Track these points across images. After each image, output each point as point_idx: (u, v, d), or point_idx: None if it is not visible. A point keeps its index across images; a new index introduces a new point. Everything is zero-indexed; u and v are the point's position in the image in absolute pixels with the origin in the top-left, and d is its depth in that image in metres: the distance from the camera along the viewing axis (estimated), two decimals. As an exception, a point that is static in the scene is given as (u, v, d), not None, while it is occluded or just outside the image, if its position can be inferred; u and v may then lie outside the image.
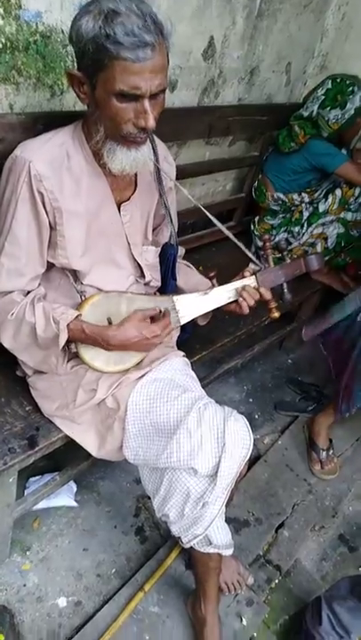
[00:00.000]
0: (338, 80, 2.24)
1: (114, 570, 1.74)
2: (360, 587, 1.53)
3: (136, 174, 1.36)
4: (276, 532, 2.00)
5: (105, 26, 1.01)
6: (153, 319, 1.33)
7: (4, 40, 1.32)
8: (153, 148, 1.34)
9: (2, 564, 1.66)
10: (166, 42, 1.08)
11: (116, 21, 1.01)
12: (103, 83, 1.08)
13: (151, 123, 1.12)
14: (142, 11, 1.02)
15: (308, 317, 2.47)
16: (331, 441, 2.34)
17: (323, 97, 2.26)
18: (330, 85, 2.26)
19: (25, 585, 1.63)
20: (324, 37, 2.71)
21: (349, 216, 2.41)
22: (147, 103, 1.10)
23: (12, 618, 1.53)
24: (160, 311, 1.33)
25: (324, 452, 2.28)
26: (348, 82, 2.23)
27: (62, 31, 1.44)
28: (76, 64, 1.13)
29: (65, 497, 1.86)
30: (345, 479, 2.29)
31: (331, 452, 2.31)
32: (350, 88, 2.22)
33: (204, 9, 1.87)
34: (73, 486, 1.91)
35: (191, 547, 1.39)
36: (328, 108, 2.25)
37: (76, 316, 1.27)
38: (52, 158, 1.21)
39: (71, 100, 1.57)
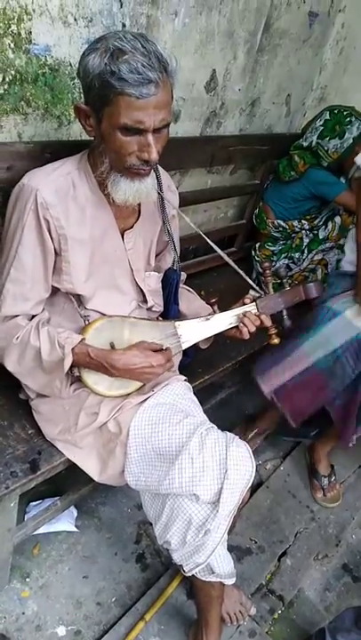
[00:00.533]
0: (335, 111, 2.31)
1: (114, 598, 1.71)
2: (365, 618, 1.50)
3: (140, 202, 1.39)
4: (279, 560, 1.97)
5: (111, 63, 1.05)
6: (156, 352, 1.34)
7: (13, 72, 1.36)
8: (157, 177, 1.38)
9: (1, 591, 1.63)
10: (171, 78, 1.12)
11: (121, 59, 1.05)
12: (108, 117, 1.12)
13: (154, 156, 1.16)
14: (147, 49, 1.06)
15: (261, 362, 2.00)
16: (332, 467, 2.32)
17: (321, 127, 2.32)
18: (328, 116, 2.32)
19: (24, 613, 1.61)
20: (323, 71, 2.80)
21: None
22: (150, 137, 1.14)
23: (9, 648, 1.50)
24: (163, 348, 1.35)
25: (326, 479, 2.26)
26: (345, 112, 2.30)
27: (70, 64, 1.49)
28: (83, 97, 1.18)
29: (65, 522, 1.84)
30: (348, 507, 2.26)
31: (333, 478, 2.29)
32: (348, 119, 2.28)
33: (206, 44, 1.93)
34: (74, 511, 1.90)
35: (193, 575, 1.37)
36: (327, 138, 2.30)
37: (81, 340, 1.28)
38: (57, 187, 1.24)
39: (78, 130, 1.62)
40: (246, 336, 1.39)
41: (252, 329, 1.38)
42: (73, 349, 1.26)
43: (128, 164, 1.18)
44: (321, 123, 2.33)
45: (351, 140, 2.29)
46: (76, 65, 1.49)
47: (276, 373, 1.90)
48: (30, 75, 1.40)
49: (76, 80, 1.53)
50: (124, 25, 1.57)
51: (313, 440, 2.43)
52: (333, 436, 2.20)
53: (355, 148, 2.30)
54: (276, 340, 1.38)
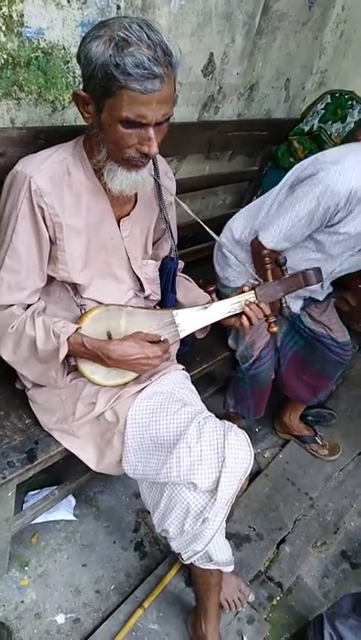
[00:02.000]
0: (337, 95, 2.29)
1: (113, 586, 1.71)
2: (363, 604, 1.51)
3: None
4: (278, 547, 1.98)
5: (115, 54, 1.02)
6: (153, 343, 1.33)
7: (5, 56, 1.33)
8: (153, 164, 1.35)
9: (0, 580, 1.64)
10: (175, 71, 1.09)
11: (126, 51, 1.02)
12: (110, 108, 1.10)
13: (154, 150, 1.15)
14: (153, 40, 1.03)
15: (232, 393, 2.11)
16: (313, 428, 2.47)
17: (323, 111, 2.30)
18: (329, 100, 2.29)
19: (23, 601, 1.61)
20: (323, 55, 2.75)
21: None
22: (151, 131, 1.12)
23: (9, 635, 1.51)
24: (160, 339, 1.34)
25: (318, 438, 2.41)
26: (346, 96, 2.27)
27: (64, 47, 1.46)
28: (82, 83, 1.14)
29: (64, 511, 1.84)
30: (347, 494, 2.27)
31: (320, 434, 2.45)
32: (349, 102, 2.26)
33: (203, 26, 1.90)
34: (72, 500, 1.90)
35: (191, 563, 1.37)
36: (330, 122, 2.28)
37: (76, 330, 1.27)
38: (52, 174, 1.22)
39: (72, 116, 1.59)
40: (247, 328, 1.37)
41: (255, 321, 1.35)
42: (68, 339, 1.25)
43: (127, 155, 1.17)
44: (322, 106, 2.31)
45: (353, 125, 2.27)
46: (70, 48, 1.47)
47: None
48: (23, 58, 1.37)
49: (70, 64, 1.50)
50: (118, 7, 1.54)
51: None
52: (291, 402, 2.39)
53: (356, 132, 2.27)
54: (274, 329, 1.37)
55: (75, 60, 1.50)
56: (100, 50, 1.04)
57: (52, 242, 1.28)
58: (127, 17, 1.06)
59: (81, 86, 1.54)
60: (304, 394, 2.24)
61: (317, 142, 2.33)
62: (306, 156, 2.34)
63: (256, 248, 1.75)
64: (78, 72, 1.53)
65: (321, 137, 2.31)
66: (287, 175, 1.75)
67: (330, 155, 1.62)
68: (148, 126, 1.11)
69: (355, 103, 2.26)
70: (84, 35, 1.10)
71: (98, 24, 1.08)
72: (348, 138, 2.30)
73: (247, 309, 1.35)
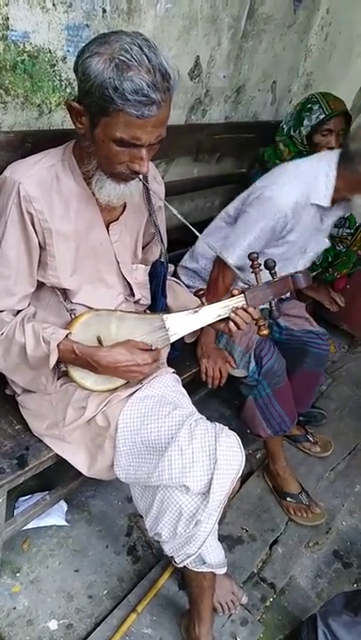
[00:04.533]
0: (308, 97, 2.23)
1: (106, 591, 1.71)
2: (355, 601, 1.52)
3: None
4: (270, 548, 1.98)
5: (115, 77, 1.02)
6: (144, 351, 1.33)
7: (-9, 60, 1.33)
8: None
9: (-9, 588, 1.63)
10: (172, 95, 1.10)
11: (125, 75, 1.02)
12: (104, 126, 1.10)
13: (145, 169, 1.16)
14: (153, 64, 1.03)
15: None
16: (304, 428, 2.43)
17: (290, 115, 2.28)
18: (302, 104, 2.26)
19: (15, 608, 1.60)
20: (308, 57, 2.77)
21: (335, 232, 2.44)
22: (144, 151, 1.13)
23: (1, 643, 1.50)
24: (151, 347, 1.34)
25: (309, 436, 2.37)
26: (311, 98, 2.20)
27: (50, 51, 1.46)
28: (77, 94, 1.14)
29: (55, 516, 1.83)
30: (338, 494, 2.28)
31: (309, 435, 2.40)
32: (309, 105, 2.19)
33: (189, 30, 1.90)
34: (63, 505, 1.89)
35: (184, 566, 1.37)
36: (296, 127, 2.24)
37: (66, 336, 1.26)
38: (41, 180, 1.22)
39: (59, 119, 1.59)
40: (236, 334, 1.37)
41: (243, 326, 1.35)
42: (58, 346, 1.24)
43: (117, 171, 1.18)
44: (295, 110, 2.28)
45: (309, 129, 2.19)
46: (56, 52, 1.47)
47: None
48: (9, 62, 1.37)
49: (56, 67, 1.49)
50: (104, 10, 1.54)
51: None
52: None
53: (313, 137, 2.21)
54: (265, 332, 1.37)
55: (61, 64, 1.50)
56: (99, 68, 1.04)
57: (42, 247, 1.28)
58: (128, 35, 1.06)
59: (68, 89, 1.56)
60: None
61: (296, 146, 2.29)
62: (292, 158, 2.35)
63: (219, 266, 1.88)
64: (65, 75, 1.53)
65: (294, 141, 2.27)
66: (235, 203, 2.00)
67: (267, 178, 1.84)
68: (142, 147, 1.12)
69: (316, 107, 2.17)
70: (82, 47, 1.10)
71: (98, 37, 1.08)
72: (308, 141, 2.23)
73: (234, 316, 1.33)
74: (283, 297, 2.03)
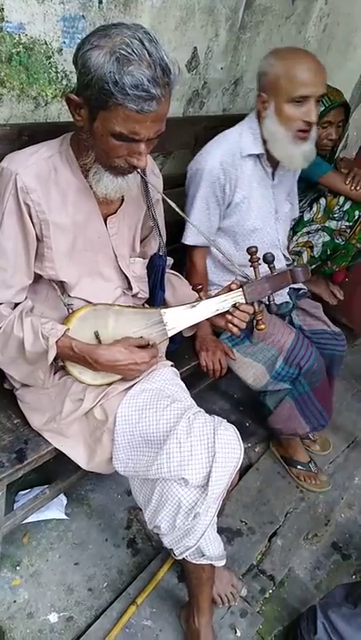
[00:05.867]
0: None
1: (105, 583, 1.71)
2: (355, 593, 1.52)
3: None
4: (270, 541, 1.99)
5: (115, 71, 1.02)
6: (142, 348, 1.33)
7: (-13, 52, 1.32)
8: None
9: (-9, 581, 1.63)
10: (172, 89, 1.09)
11: (126, 69, 1.01)
12: (103, 119, 1.10)
13: (143, 164, 1.16)
14: (153, 59, 1.03)
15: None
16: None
17: None
18: None
19: (15, 601, 1.61)
20: (307, 48, 2.74)
21: (334, 224, 2.43)
22: (142, 146, 1.13)
23: (2, 635, 1.50)
24: (149, 344, 1.34)
25: (310, 464, 2.24)
26: None
27: (45, 42, 1.44)
28: (76, 86, 1.13)
29: (55, 510, 1.84)
30: (337, 487, 2.28)
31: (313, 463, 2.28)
32: None
33: (187, 21, 1.89)
34: (63, 499, 1.89)
35: (184, 558, 1.38)
36: None
37: (65, 332, 1.26)
38: (38, 171, 1.21)
39: (55, 111, 1.57)
40: (237, 334, 1.37)
41: (242, 325, 1.35)
42: (56, 342, 1.24)
43: (115, 164, 1.18)
44: None
45: None
46: (52, 43, 1.46)
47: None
48: (4, 54, 1.36)
49: (52, 59, 1.48)
50: (100, 1, 1.52)
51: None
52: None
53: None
54: (262, 326, 1.37)
55: (57, 55, 1.49)
56: (99, 61, 1.03)
57: (39, 239, 1.27)
58: (129, 28, 1.05)
59: (64, 81, 1.54)
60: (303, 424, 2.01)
61: None
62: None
63: (187, 254, 1.93)
64: (61, 67, 1.52)
65: None
66: None
67: (196, 155, 1.85)
68: (140, 142, 1.12)
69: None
70: (82, 39, 1.09)
71: (99, 30, 1.07)
72: None
73: (233, 319, 1.33)
74: (298, 290, 2.06)
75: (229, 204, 1.84)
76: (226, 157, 1.76)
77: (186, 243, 1.88)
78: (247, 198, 1.84)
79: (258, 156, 1.81)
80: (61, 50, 1.49)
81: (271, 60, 1.67)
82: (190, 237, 1.87)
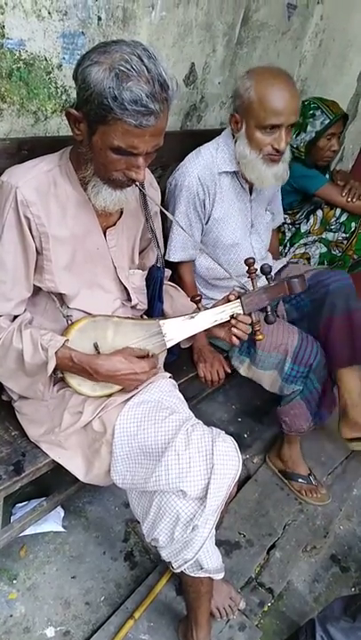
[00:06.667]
0: (305, 103, 2.26)
1: (103, 597, 1.70)
2: (354, 606, 1.51)
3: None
4: (268, 553, 1.98)
5: (114, 86, 1.04)
6: (141, 358, 1.34)
7: (-13, 68, 1.34)
8: None
9: (-12, 595, 1.62)
10: (170, 105, 1.12)
11: (125, 85, 1.03)
12: (102, 134, 1.12)
13: (141, 177, 1.18)
14: (152, 75, 1.05)
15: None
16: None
17: None
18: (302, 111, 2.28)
19: (12, 615, 1.59)
20: (303, 63, 2.79)
21: (331, 236, 2.45)
22: (141, 160, 1.15)
23: (-2, 651, 1.49)
24: (149, 354, 1.34)
25: (311, 477, 2.21)
26: (312, 104, 2.24)
27: (45, 58, 1.46)
28: (76, 101, 1.15)
29: (52, 523, 1.83)
30: (335, 498, 2.27)
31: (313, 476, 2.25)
32: (311, 111, 2.22)
33: (185, 37, 1.92)
34: (60, 512, 1.88)
35: (182, 571, 1.37)
36: (295, 135, 2.25)
37: (64, 343, 1.27)
38: (38, 184, 1.23)
39: (55, 126, 1.59)
40: (237, 344, 1.38)
41: (245, 337, 1.36)
42: (56, 353, 1.24)
43: (113, 177, 1.20)
44: None
45: (314, 134, 2.23)
46: (52, 59, 1.48)
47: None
48: (4, 69, 1.38)
49: (52, 75, 1.50)
50: (99, 18, 1.55)
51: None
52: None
53: (317, 142, 2.25)
54: (260, 337, 1.38)
55: (56, 71, 1.51)
56: (99, 77, 1.05)
57: (39, 252, 1.28)
58: (128, 45, 1.07)
59: (64, 96, 1.56)
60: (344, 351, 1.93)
61: (293, 153, 2.30)
62: (289, 167, 2.36)
63: (175, 270, 1.91)
64: (60, 82, 1.54)
65: (291, 150, 2.28)
66: None
67: (174, 171, 1.87)
68: (139, 156, 1.14)
69: (318, 113, 2.22)
70: (82, 55, 1.11)
71: (99, 46, 1.09)
72: (309, 148, 2.27)
73: (236, 331, 1.34)
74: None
75: (208, 218, 1.87)
76: (203, 173, 1.78)
77: (171, 260, 1.87)
78: (225, 214, 1.87)
79: (234, 172, 1.83)
80: (61, 65, 1.51)
81: (247, 82, 1.66)
82: (176, 254, 1.87)
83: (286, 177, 1.82)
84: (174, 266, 1.90)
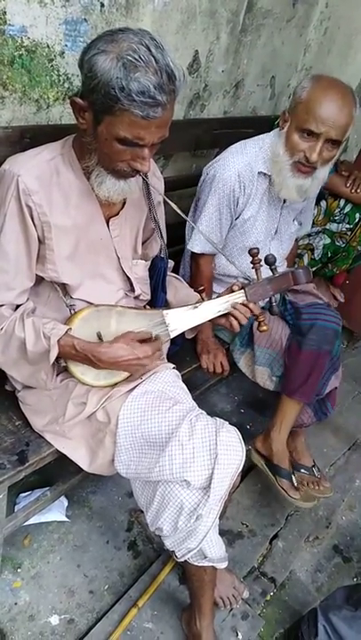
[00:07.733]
0: None
1: (107, 586, 1.71)
2: (356, 595, 1.52)
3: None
4: (271, 543, 1.99)
5: (122, 77, 1.02)
6: (144, 342, 1.33)
7: (-11, 55, 1.32)
8: None
9: (-8, 583, 1.63)
10: (177, 95, 1.10)
11: (132, 75, 1.02)
12: (108, 124, 1.10)
13: (146, 168, 1.17)
14: (160, 65, 1.03)
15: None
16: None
17: None
18: None
19: (16, 603, 1.60)
20: (307, 52, 2.76)
21: (335, 227, 2.44)
22: (146, 151, 1.14)
23: (3, 637, 1.50)
24: (152, 337, 1.34)
25: (315, 469, 2.15)
26: None
27: (48, 45, 1.45)
28: (81, 90, 1.13)
29: (56, 512, 1.83)
30: (338, 489, 2.28)
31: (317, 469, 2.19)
32: None
33: (188, 24, 1.89)
34: (64, 501, 1.89)
35: (185, 560, 1.37)
36: None
37: (66, 331, 1.26)
38: (40, 173, 1.22)
39: (57, 114, 1.58)
40: (237, 329, 1.37)
41: (244, 321, 1.36)
42: (58, 341, 1.24)
43: (118, 168, 1.19)
44: None
45: None
46: (54, 46, 1.47)
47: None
48: (6, 57, 1.36)
49: (54, 62, 1.49)
50: (102, 4, 1.53)
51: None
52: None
53: None
54: (264, 328, 1.37)
55: (59, 59, 1.50)
56: (106, 66, 1.04)
57: (41, 241, 1.27)
58: (135, 33, 1.05)
59: (66, 84, 1.55)
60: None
61: None
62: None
63: (193, 259, 1.90)
64: (63, 70, 1.52)
65: None
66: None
67: (214, 160, 1.82)
68: (144, 147, 1.13)
69: None
70: (88, 43, 1.09)
71: (106, 34, 1.07)
72: None
73: (234, 311, 1.34)
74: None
75: (237, 218, 1.81)
76: (243, 170, 1.71)
77: (193, 250, 1.83)
78: (254, 217, 1.81)
79: (269, 176, 1.75)
80: (63, 53, 1.50)
81: (306, 82, 1.61)
82: (198, 245, 1.83)
83: (312, 196, 1.77)
84: (193, 255, 1.88)
